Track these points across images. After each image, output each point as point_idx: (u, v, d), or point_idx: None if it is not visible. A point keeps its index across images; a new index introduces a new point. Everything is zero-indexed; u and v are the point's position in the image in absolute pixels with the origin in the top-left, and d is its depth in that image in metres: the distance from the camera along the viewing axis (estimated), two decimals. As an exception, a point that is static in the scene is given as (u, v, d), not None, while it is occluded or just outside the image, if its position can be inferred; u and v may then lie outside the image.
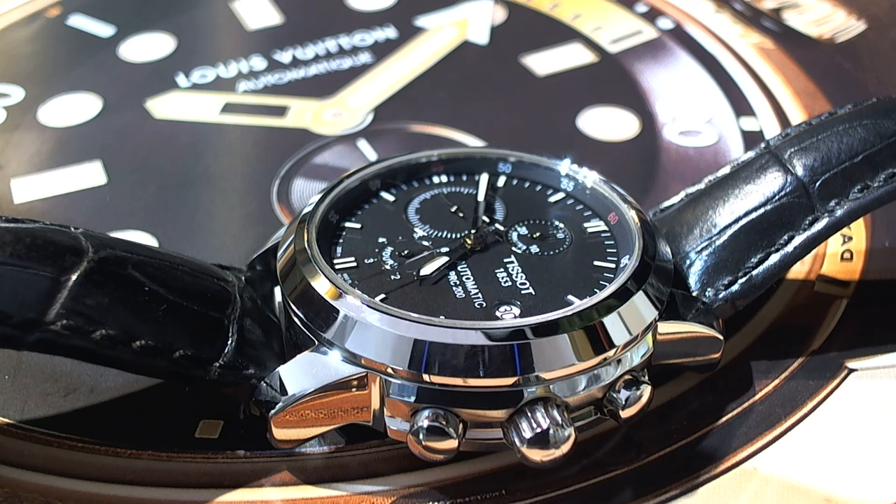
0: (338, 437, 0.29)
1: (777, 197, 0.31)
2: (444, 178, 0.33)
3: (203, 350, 0.27)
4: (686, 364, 0.30)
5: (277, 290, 0.31)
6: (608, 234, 0.31)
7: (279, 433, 0.27)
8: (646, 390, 0.28)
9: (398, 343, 0.26)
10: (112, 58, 0.48)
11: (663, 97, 0.44)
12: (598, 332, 0.27)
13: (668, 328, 0.29)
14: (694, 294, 0.30)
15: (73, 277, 0.26)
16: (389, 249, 0.30)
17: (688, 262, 0.31)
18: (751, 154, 0.33)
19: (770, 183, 0.31)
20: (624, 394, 0.27)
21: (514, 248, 0.30)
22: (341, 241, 0.30)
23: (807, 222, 0.30)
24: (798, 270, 0.35)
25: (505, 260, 0.30)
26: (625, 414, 0.27)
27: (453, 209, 0.32)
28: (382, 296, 0.28)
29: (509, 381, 0.26)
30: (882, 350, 0.32)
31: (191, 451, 0.29)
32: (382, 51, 0.48)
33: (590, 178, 0.32)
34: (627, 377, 0.28)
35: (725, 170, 0.33)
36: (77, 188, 0.39)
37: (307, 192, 0.39)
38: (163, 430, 0.30)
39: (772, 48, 0.47)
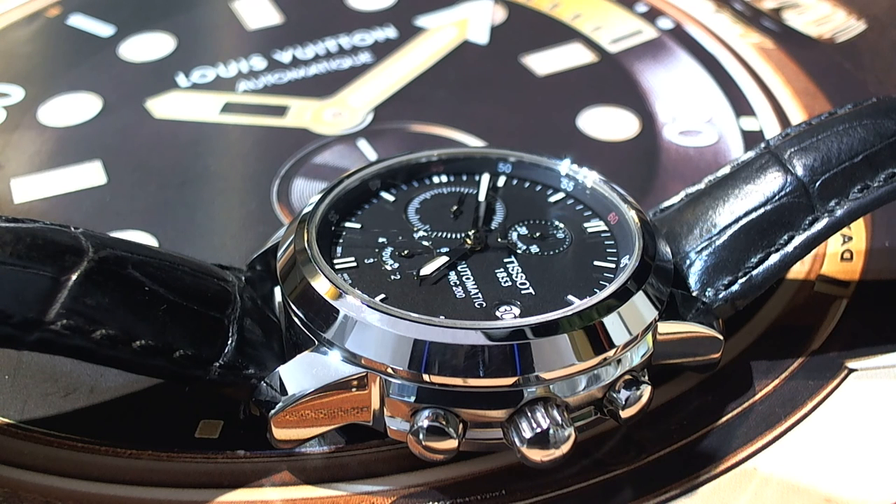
0: (338, 437, 0.29)
1: (777, 197, 0.31)
2: (444, 178, 0.33)
3: (203, 350, 0.27)
4: (686, 364, 0.30)
5: (277, 290, 0.31)
6: (608, 234, 0.31)
7: (279, 433, 0.27)
8: (646, 390, 0.28)
9: (398, 343, 0.26)
10: (112, 58, 0.48)
11: (663, 97, 0.44)
12: (598, 332, 0.27)
13: (668, 328, 0.29)
14: (694, 294, 0.30)
15: (74, 277, 0.26)
16: (389, 249, 0.30)
17: (688, 262, 0.31)
18: (751, 154, 0.33)
19: (770, 183, 0.31)
20: (624, 394, 0.27)
21: (514, 248, 0.30)
22: (341, 241, 0.30)
23: (807, 222, 0.30)
24: (798, 270, 0.35)
25: (505, 260, 0.30)
26: (625, 414, 0.27)
27: (454, 209, 0.32)
28: (382, 296, 0.28)
29: (509, 381, 0.26)
30: (882, 350, 0.32)
31: (191, 451, 0.29)
32: (382, 51, 0.48)
33: (590, 178, 0.32)
34: (627, 377, 0.28)
35: (725, 170, 0.33)
36: (77, 188, 0.39)
37: (307, 192, 0.39)
38: (163, 430, 0.30)
39: (772, 48, 0.47)
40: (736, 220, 0.31)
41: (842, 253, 0.36)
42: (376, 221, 0.31)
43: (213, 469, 0.29)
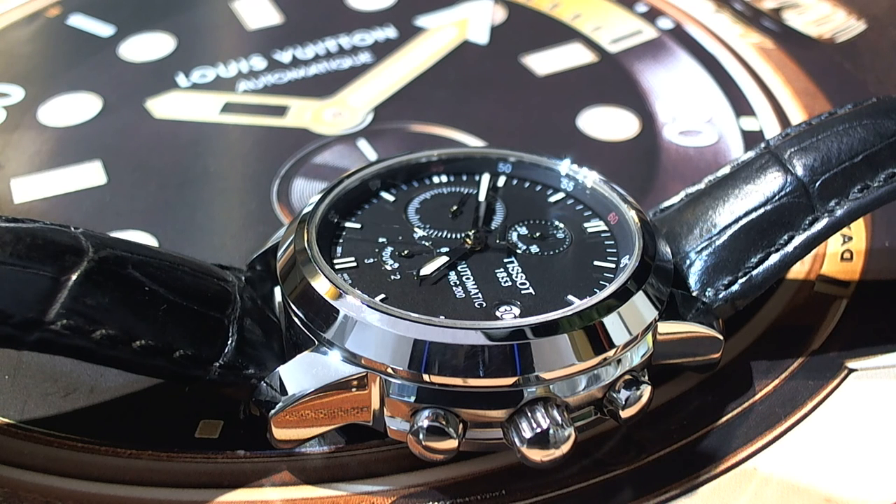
0: (338, 437, 0.29)
1: (777, 197, 0.31)
2: (444, 178, 0.33)
3: (203, 350, 0.27)
4: (686, 364, 0.30)
5: (277, 290, 0.31)
6: (608, 234, 0.31)
7: (279, 433, 0.27)
8: (646, 390, 0.28)
9: (398, 343, 0.26)
10: (112, 58, 0.48)
11: (663, 97, 0.44)
12: (598, 332, 0.27)
13: (668, 328, 0.29)
14: (694, 294, 0.30)
15: (73, 277, 0.26)
16: (389, 249, 0.30)
17: (688, 262, 0.31)
18: (751, 154, 0.33)
19: (770, 183, 0.31)
20: (624, 394, 0.27)
21: (514, 248, 0.30)
22: (341, 241, 0.30)
23: (807, 222, 0.30)
24: (798, 270, 0.35)
25: (505, 260, 0.30)
26: (625, 414, 0.27)
27: (454, 209, 0.32)
28: (382, 296, 0.28)
29: (509, 381, 0.26)
30: (882, 350, 0.32)
31: (191, 451, 0.29)
32: (382, 51, 0.48)
33: (590, 178, 0.32)
34: (627, 377, 0.28)
35: (725, 170, 0.33)
36: (77, 188, 0.39)
37: (307, 192, 0.39)
38: (163, 430, 0.30)
39: (772, 48, 0.47)
40: (736, 220, 0.31)
41: (842, 253, 0.36)
42: (376, 221, 0.31)
43: (213, 469, 0.29)
